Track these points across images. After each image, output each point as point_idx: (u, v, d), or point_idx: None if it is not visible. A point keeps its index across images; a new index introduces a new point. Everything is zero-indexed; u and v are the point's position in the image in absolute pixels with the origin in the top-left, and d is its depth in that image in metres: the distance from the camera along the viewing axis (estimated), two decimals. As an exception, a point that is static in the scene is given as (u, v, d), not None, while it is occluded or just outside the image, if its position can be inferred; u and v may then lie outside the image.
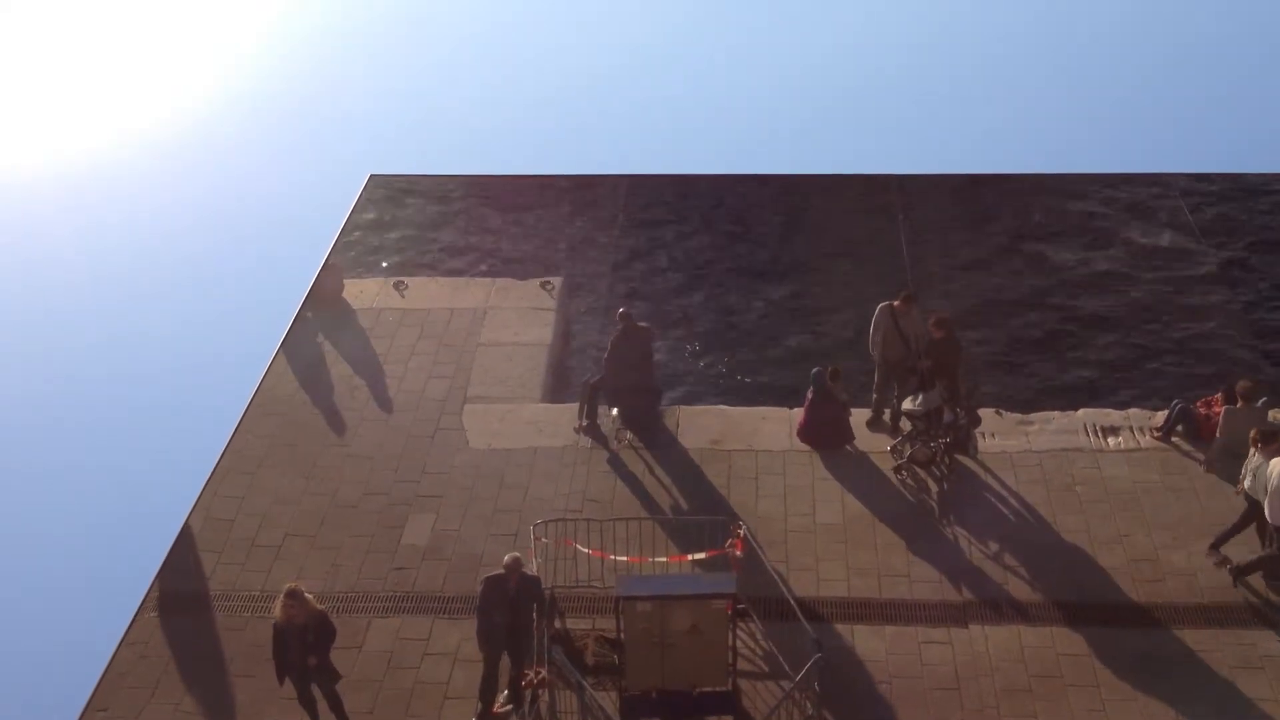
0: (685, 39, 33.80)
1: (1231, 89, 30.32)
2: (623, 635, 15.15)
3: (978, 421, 19.27)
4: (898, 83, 31.14)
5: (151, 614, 16.94)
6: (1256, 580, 16.74)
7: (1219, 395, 19.20)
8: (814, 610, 16.46)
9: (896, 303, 19.42)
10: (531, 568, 16.03)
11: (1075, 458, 19.04)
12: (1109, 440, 19.36)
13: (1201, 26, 33.09)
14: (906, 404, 18.95)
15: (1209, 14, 33.57)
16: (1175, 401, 19.48)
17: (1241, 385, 18.50)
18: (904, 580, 17.07)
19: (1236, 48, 31.92)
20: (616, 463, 19.27)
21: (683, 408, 20.61)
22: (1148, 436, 19.36)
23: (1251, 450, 16.62)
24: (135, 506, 19.89)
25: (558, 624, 16.39)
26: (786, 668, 15.59)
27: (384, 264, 25.75)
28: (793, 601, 16.19)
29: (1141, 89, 30.73)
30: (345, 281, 23.54)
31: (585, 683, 15.44)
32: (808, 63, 31.95)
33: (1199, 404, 19.36)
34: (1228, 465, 18.47)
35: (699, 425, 20.03)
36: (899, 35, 32.93)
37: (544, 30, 34.58)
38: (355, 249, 25.98)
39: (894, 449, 19.06)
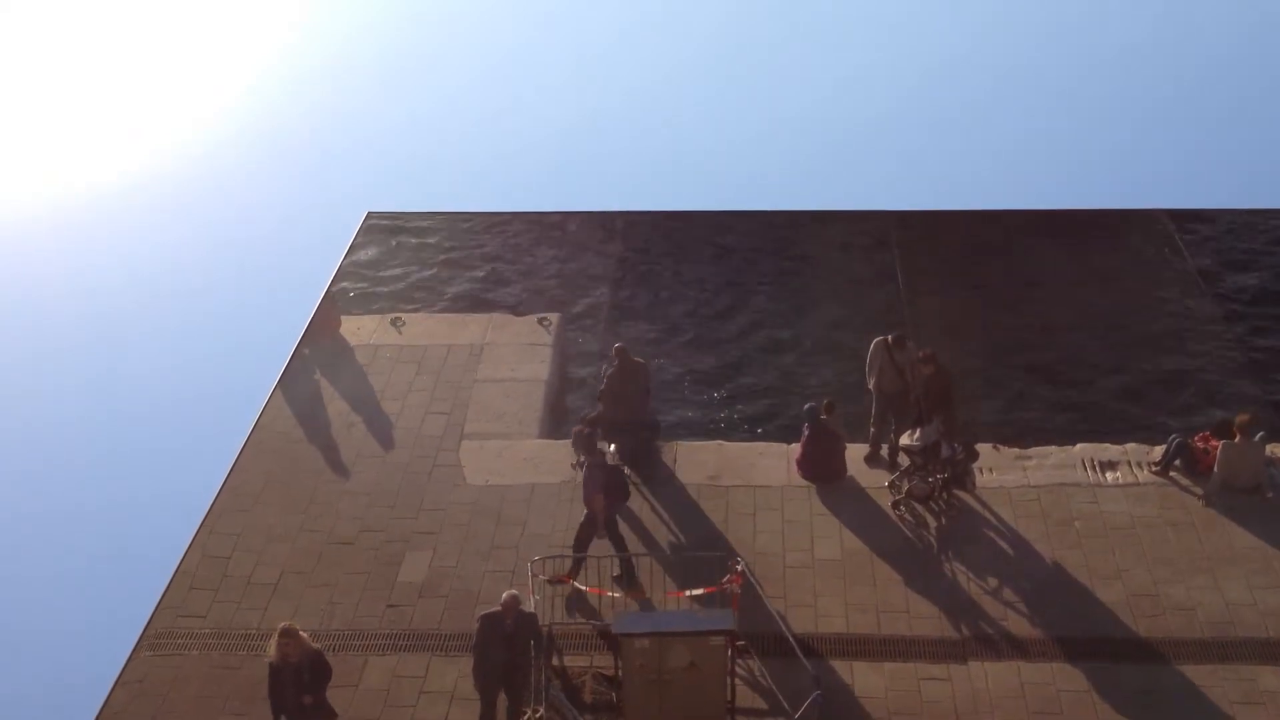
0: (684, 77, 34.04)
1: (1229, 124, 30.53)
2: (620, 672, 15.09)
3: (975, 456, 19.22)
4: (894, 120, 31.34)
5: (147, 653, 16.85)
6: (1256, 614, 16.71)
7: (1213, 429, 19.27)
8: (812, 646, 16.40)
9: (890, 339, 19.46)
10: (529, 604, 15.96)
11: (1073, 492, 19.00)
12: (1107, 475, 19.33)
13: (1203, 60, 33.35)
14: (904, 439, 18.94)
15: (1208, 49, 33.83)
16: (1173, 436, 19.46)
17: (1239, 419, 18.53)
18: (903, 616, 17.00)
19: (1239, 82, 32.17)
20: (614, 499, 19.20)
21: (680, 443, 20.56)
22: (1146, 471, 19.33)
23: None
24: (131, 544, 19.85)
25: (555, 661, 16.28)
26: (785, 705, 15.49)
27: (381, 300, 25.74)
28: (791, 638, 16.12)
29: (1140, 124, 30.95)
30: (342, 318, 23.54)
31: (583, 720, 15.38)
32: (806, 99, 32.16)
33: (1197, 438, 19.32)
34: (1226, 499, 18.49)
35: (696, 461, 19.99)
36: (893, 75, 33.18)
37: (541, 69, 34.83)
38: (352, 285, 26.01)
39: (892, 484, 19.02)
